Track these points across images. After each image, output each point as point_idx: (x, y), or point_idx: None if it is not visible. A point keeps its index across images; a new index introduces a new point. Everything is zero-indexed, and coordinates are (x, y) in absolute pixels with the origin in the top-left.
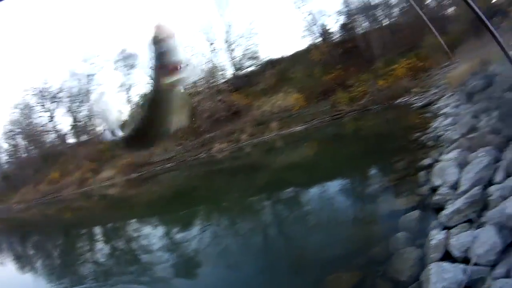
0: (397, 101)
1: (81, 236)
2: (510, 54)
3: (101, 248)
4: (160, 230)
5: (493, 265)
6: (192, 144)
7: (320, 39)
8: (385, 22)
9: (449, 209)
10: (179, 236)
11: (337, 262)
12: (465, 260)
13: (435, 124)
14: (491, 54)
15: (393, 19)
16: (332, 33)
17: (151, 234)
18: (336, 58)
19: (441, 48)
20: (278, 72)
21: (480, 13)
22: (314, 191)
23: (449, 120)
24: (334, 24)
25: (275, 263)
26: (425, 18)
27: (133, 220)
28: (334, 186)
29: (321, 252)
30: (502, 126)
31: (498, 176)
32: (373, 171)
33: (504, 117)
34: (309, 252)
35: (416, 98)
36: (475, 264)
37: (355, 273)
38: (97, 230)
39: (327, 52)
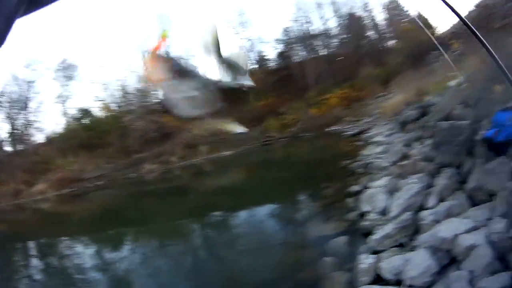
0: (329, 129)
1: (14, 250)
2: (448, 84)
3: (30, 264)
4: (90, 249)
5: (429, 286)
6: (122, 163)
7: (256, 65)
8: (323, 52)
9: (378, 234)
10: (107, 256)
11: (266, 286)
12: (398, 283)
13: (365, 152)
14: (428, 85)
15: (331, 50)
16: (268, 60)
17: (82, 253)
18: (270, 85)
19: (376, 79)
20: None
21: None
22: (243, 215)
23: (380, 148)
24: (271, 52)
25: None
26: None
27: (65, 238)
28: (263, 211)
29: (250, 277)
30: (434, 154)
31: (431, 202)
32: (302, 197)
33: (437, 145)
34: (238, 276)
35: (348, 126)
36: (410, 286)
37: None
38: (30, 245)
39: (262, 78)
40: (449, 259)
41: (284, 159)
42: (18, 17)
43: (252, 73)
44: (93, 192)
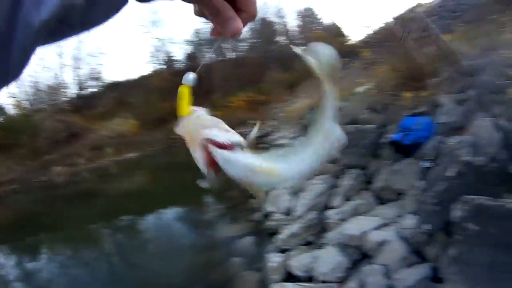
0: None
1: None
2: (355, 91)
3: None
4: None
5: (342, 281)
6: (33, 165)
7: (164, 66)
8: (231, 55)
9: (284, 233)
10: (22, 266)
11: None
12: (310, 279)
13: None
14: None
15: (240, 53)
16: (176, 61)
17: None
18: (175, 86)
19: (283, 84)
20: (118, 96)
21: None
22: (151, 219)
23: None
24: (180, 52)
25: None
26: None
27: None
28: (170, 214)
29: (163, 280)
30: (339, 156)
31: (336, 201)
32: (207, 199)
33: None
34: (151, 281)
35: (250, 130)
36: (323, 282)
37: None
38: None
39: (168, 79)
40: (360, 254)
41: (188, 163)
42: (36, 49)
43: (158, 73)
44: (6, 197)
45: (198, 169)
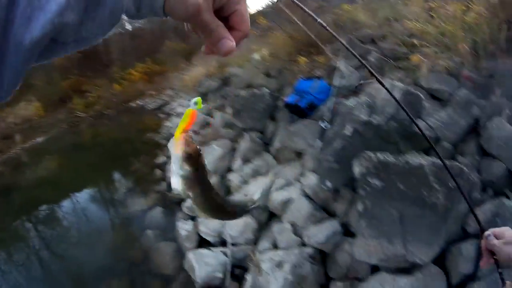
0: (132, 104)
1: None
2: (251, 57)
3: None
4: None
5: (255, 242)
6: None
7: None
8: (128, 27)
9: (189, 201)
10: None
11: (103, 272)
12: (224, 243)
13: (168, 123)
14: (230, 58)
15: (136, 25)
16: None
17: None
18: (75, 63)
19: (180, 54)
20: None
21: None
22: (66, 205)
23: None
24: None
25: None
26: None
27: None
28: (84, 196)
29: (86, 265)
30: (236, 120)
31: (235, 164)
32: (115, 177)
33: (238, 112)
34: (78, 269)
35: (151, 100)
36: (233, 245)
37: (123, 277)
38: None
39: (66, 57)
40: (267, 215)
41: (93, 140)
42: (27, 69)
43: None
44: None
45: (103, 147)
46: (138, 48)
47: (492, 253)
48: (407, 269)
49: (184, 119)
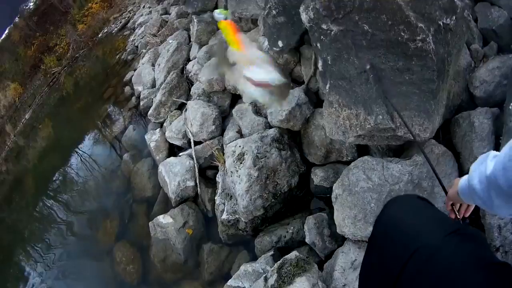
0: (99, 35)
1: None
2: None
3: None
4: None
5: (222, 134)
6: None
7: (18, 17)
8: None
9: (152, 107)
10: None
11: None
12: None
13: (131, 38)
14: None
15: None
16: (26, 6)
17: None
18: (33, 27)
19: None
20: None
21: None
22: (72, 162)
23: (142, 28)
24: None
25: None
26: None
27: None
28: (81, 146)
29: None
30: (186, 7)
31: (193, 52)
32: (100, 111)
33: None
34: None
35: (115, 24)
36: (196, 143)
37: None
38: None
39: (25, 25)
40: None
41: (74, 87)
42: None
43: (15, 27)
44: None
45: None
46: None
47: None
48: (397, 149)
49: (226, 33)
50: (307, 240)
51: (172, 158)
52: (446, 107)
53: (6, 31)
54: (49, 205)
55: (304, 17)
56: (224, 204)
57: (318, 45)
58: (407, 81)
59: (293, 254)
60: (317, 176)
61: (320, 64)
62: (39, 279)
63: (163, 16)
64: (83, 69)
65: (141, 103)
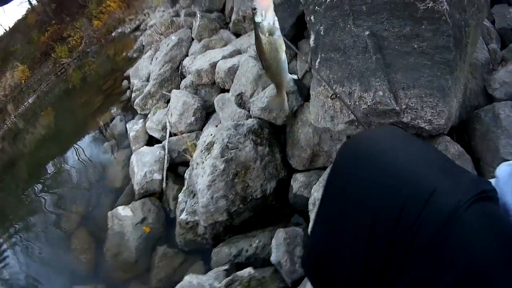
0: (113, 34)
1: None
2: None
3: None
4: None
5: (202, 129)
6: None
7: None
8: None
9: (140, 96)
10: None
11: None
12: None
13: (141, 38)
14: None
15: None
16: None
17: None
18: (50, 14)
19: None
20: (2, 50)
21: None
22: (65, 152)
23: (152, 29)
24: None
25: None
26: None
27: None
28: (80, 139)
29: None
30: (194, 7)
31: (192, 49)
32: (101, 107)
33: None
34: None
35: (129, 25)
36: (175, 134)
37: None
38: None
39: (42, 10)
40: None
41: (81, 81)
42: None
43: (33, 9)
44: None
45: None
46: None
47: None
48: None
49: None
50: (272, 258)
51: (145, 148)
52: (462, 104)
53: (24, 12)
54: (33, 188)
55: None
56: (186, 203)
57: (312, 18)
58: (416, 50)
59: (247, 271)
60: (297, 182)
61: (312, 39)
62: None
63: (174, 18)
64: (92, 66)
65: (133, 95)
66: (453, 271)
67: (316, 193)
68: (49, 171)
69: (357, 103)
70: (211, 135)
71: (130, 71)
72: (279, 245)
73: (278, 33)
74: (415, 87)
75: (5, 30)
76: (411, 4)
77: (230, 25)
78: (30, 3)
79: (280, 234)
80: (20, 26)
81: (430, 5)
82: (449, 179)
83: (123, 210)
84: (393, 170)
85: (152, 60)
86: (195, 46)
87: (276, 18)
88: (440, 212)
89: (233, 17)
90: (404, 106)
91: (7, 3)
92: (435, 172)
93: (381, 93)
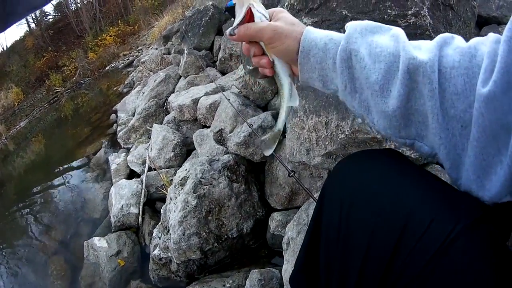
0: (106, 68)
1: None
2: None
3: None
4: None
5: (181, 166)
6: None
7: (35, 24)
8: None
9: (123, 130)
10: None
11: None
12: (150, 170)
13: (133, 74)
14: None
15: None
16: (45, 14)
17: None
18: (47, 41)
19: (149, 10)
20: None
21: None
22: (52, 179)
23: (143, 65)
24: (47, 7)
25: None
26: None
27: None
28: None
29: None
30: (183, 44)
31: (178, 85)
32: (89, 138)
33: (183, 35)
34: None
35: (123, 60)
36: (155, 169)
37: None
38: None
39: (40, 36)
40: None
41: (73, 112)
42: None
43: (31, 33)
44: None
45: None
46: (109, 13)
47: None
48: None
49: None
50: None
51: (123, 181)
52: None
53: (22, 34)
54: (19, 210)
55: None
56: (160, 238)
57: None
58: None
59: None
60: (274, 221)
61: None
62: None
63: (165, 55)
64: (85, 98)
65: (118, 129)
66: None
67: (290, 232)
68: (34, 196)
69: (334, 132)
70: (186, 170)
71: (118, 105)
72: (253, 286)
73: None
74: None
75: (3, 49)
76: (391, 22)
77: (217, 63)
78: (29, 26)
79: (254, 276)
80: (17, 47)
81: (411, 20)
82: (447, 204)
83: (98, 241)
84: (392, 198)
85: (139, 95)
86: (181, 82)
87: None
88: (433, 241)
89: (220, 55)
90: None
91: (5, 29)
92: (434, 198)
93: (359, 120)
